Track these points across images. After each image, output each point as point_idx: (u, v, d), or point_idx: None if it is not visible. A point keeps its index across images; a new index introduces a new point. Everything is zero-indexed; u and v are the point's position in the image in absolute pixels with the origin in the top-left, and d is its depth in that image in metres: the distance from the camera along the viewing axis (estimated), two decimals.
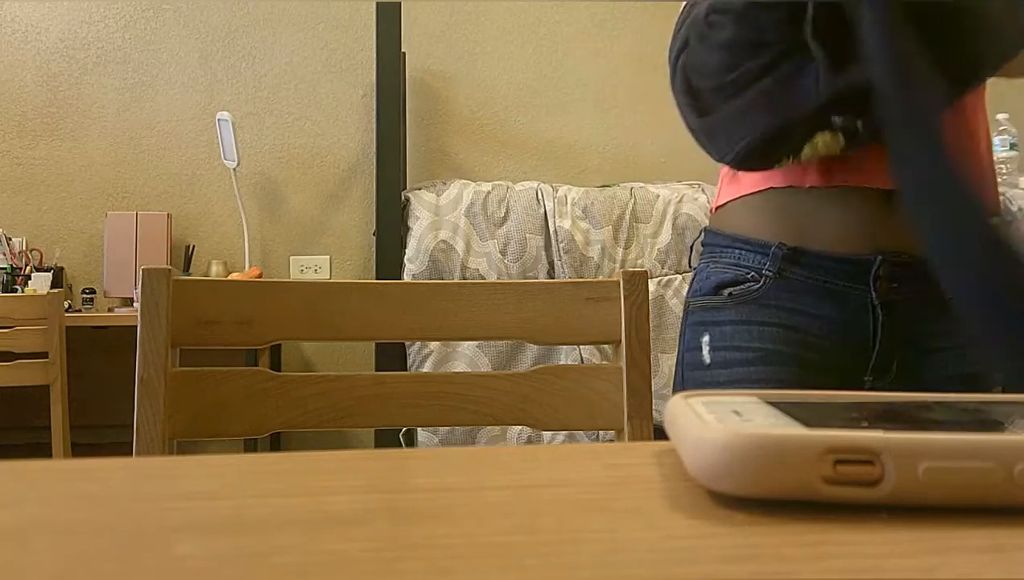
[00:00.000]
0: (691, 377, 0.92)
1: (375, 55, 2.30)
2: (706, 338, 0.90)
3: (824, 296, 0.86)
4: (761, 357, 0.87)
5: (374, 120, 2.43)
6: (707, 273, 0.93)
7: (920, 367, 0.87)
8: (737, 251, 0.90)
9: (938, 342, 0.88)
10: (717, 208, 0.95)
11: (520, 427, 1.96)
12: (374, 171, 2.38)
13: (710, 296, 0.92)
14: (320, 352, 2.89)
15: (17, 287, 2.51)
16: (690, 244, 1.02)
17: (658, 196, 2.33)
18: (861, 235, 0.85)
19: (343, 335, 0.76)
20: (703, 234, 0.97)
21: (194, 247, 2.80)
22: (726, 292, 0.90)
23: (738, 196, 0.91)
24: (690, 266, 1.00)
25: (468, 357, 2.17)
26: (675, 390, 0.96)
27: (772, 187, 0.88)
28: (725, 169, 0.95)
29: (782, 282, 0.87)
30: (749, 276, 0.89)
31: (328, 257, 2.93)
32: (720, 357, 0.89)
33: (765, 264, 0.88)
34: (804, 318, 0.87)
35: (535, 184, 2.37)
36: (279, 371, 0.78)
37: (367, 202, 2.90)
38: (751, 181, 0.90)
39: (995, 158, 2.72)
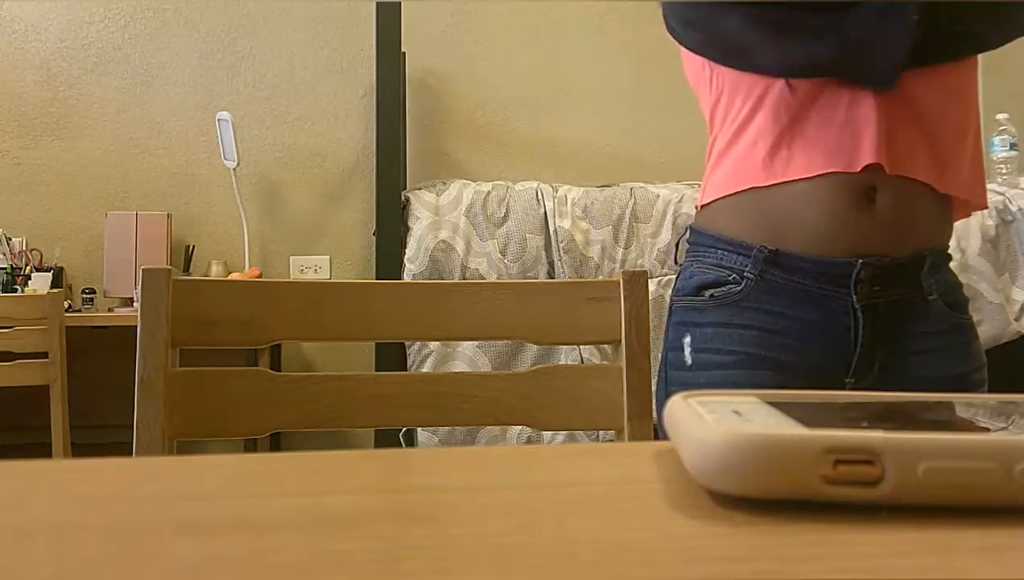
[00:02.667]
0: (674, 377, 0.92)
1: (375, 55, 2.30)
2: (687, 339, 0.91)
3: (804, 299, 0.86)
4: (740, 361, 0.87)
5: (374, 120, 2.43)
6: (690, 272, 0.93)
7: (902, 368, 0.87)
8: (720, 252, 0.90)
9: (919, 343, 0.87)
10: (702, 207, 0.95)
11: (520, 427, 1.96)
12: (374, 171, 2.38)
13: (692, 296, 0.91)
14: (320, 352, 2.89)
15: (17, 287, 2.51)
16: (676, 241, 1.02)
17: (658, 196, 2.33)
18: (842, 238, 0.84)
19: (343, 335, 0.76)
20: (689, 232, 0.97)
21: (194, 247, 2.80)
22: (707, 293, 0.90)
23: (721, 196, 0.91)
24: (676, 263, 1.00)
25: (468, 357, 2.17)
26: (658, 389, 0.96)
27: (754, 187, 0.87)
28: (708, 167, 0.95)
29: (763, 284, 0.87)
30: (731, 278, 0.89)
31: (328, 257, 2.93)
32: (700, 359, 0.89)
33: (747, 266, 0.88)
34: (784, 321, 0.87)
35: (535, 184, 2.37)
36: (279, 371, 0.78)
37: (367, 202, 2.90)
38: (732, 180, 0.90)
39: (995, 158, 2.69)
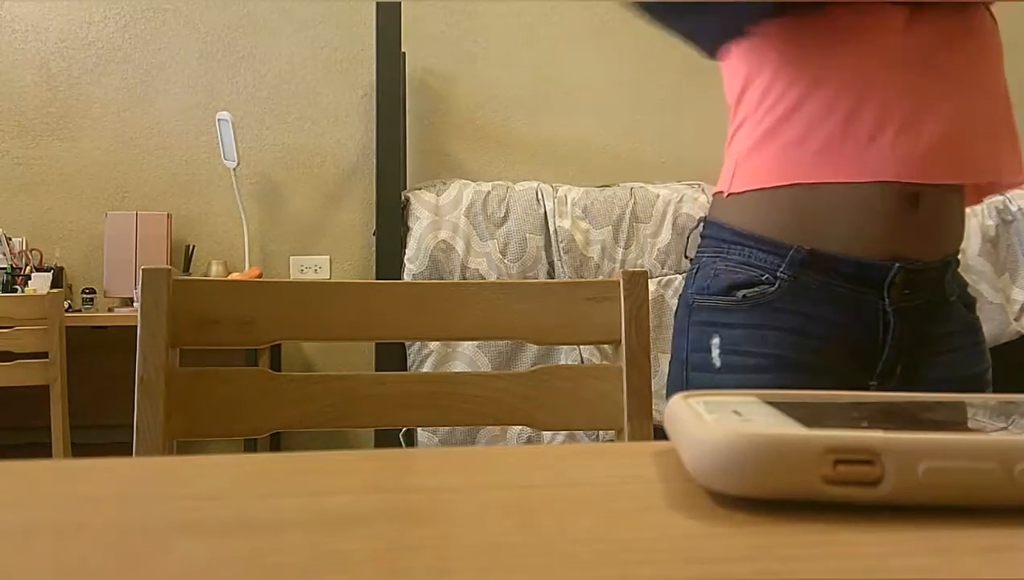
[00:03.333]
0: (697, 378, 0.88)
1: (375, 55, 2.30)
2: (716, 340, 0.87)
3: (836, 301, 0.84)
4: (772, 364, 0.84)
5: (374, 120, 2.43)
6: (715, 270, 0.89)
7: (923, 370, 0.86)
8: (747, 249, 0.86)
9: (942, 345, 0.87)
10: (729, 194, 0.89)
11: (520, 427, 1.96)
12: (374, 171, 2.38)
13: (721, 296, 0.87)
14: (320, 352, 2.89)
15: (17, 287, 2.51)
16: (687, 234, 1.00)
17: (658, 196, 2.33)
18: (880, 239, 0.82)
19: (343, 335, 0.76)
20: (702, 225, 0.93)
21: (194, 247, 2.80)
22: (740, 294, 0.86)
23: (759, 187, 0.86)
24: (686, 256, 0.97)
25: (468, 357, 2.17)
26: (674, 390, 0.92)
27: (798, 183, 0.83)
28: (743, 152, 0.89)
29: (796, 285, 0.84)
30: (764, 278, 0.85)
31: (328, 257, 2.93)
32: (730, 361, 0.86)
33: (780, 266, 0.84)
34: (814, 323, 0.84)
35: (535, 184, 2.37)
36: (279, 371, 0.78)
37: (367, 202, 2.90)
38: (776, 173, 0.85)
39: None
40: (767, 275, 0.85)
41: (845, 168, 0.82)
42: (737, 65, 0.91)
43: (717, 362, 0.87)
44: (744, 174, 0.88)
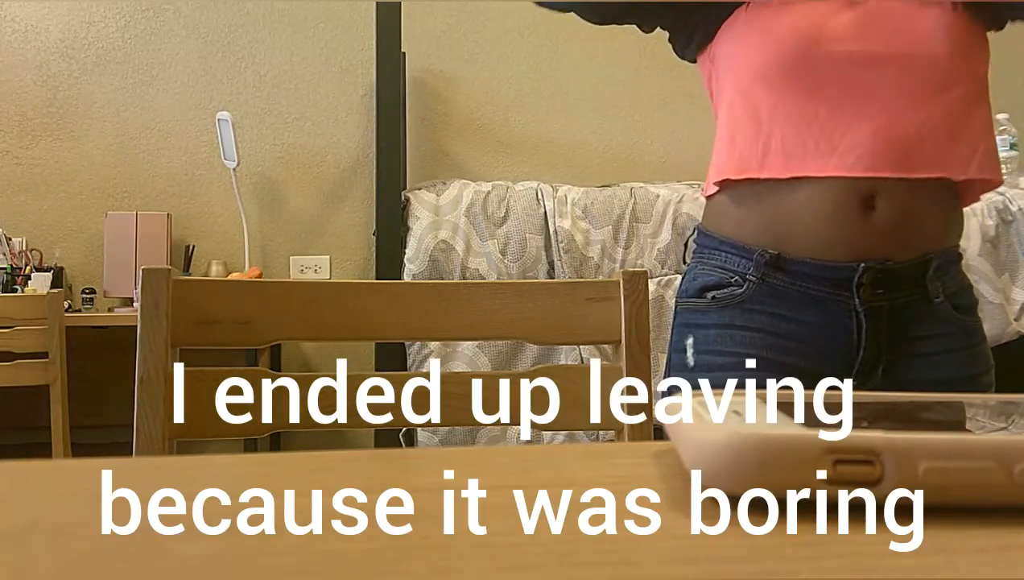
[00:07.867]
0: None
1: (375, 55, 2.30)
2: (690, 340, 0.90)
3: (807, 302, 0.86)
4: (742, 363, 0.86)
5: (374, 120, 2.43)
6: (694, 274, 0.93)
7: (905, 371, 0.87)
8: (724, 254, 0.90)
9: (924, 346, 0.87)
10: (707, 197, 0.94)
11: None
12: (374, 171, 2.38)
13: (695, 298, 0.91)
14: (320, 352, 2.89)
15: (17, 287, 2.51)
16: (684, 241, 1.02)
17: (658, 196, 2.32)
18: (843, 242, 0.83)
19: (343, 335, 0.76)
20: (696, 233, 0.96)
21: (194, 247, 2.80)
22: (710, 295, 0.89)
23: (721, 178, 0.89)
24: (684, 262, 0.99)
25: (468, 357, 2.17)
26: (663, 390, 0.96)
27: (729, 178, 0.86)
28: (712, 157, 0.94)
29: (765, 287, 0.87)
30: (733, 280, 0.88)
31: (328, 257, 2.93)
32: (703, 360, 0.89)
33: (749, 269, 0.87)
34: (786, 324, 0.86)
35: (535, 184, 2.37)
36: (279, 371, 0.78)
37: (367, 202, 2.89)
38: (730, 166, 0.88)
39: None
40: (736, 277, 0.88)
41: (795, 163, 0.84)
42: (707, 64, 0.97)
43: (691, 362, 0.90)
44: (712, 169, 0.92)
